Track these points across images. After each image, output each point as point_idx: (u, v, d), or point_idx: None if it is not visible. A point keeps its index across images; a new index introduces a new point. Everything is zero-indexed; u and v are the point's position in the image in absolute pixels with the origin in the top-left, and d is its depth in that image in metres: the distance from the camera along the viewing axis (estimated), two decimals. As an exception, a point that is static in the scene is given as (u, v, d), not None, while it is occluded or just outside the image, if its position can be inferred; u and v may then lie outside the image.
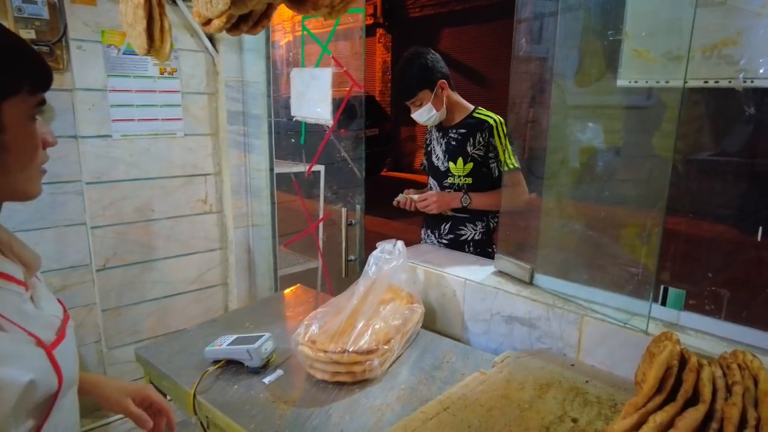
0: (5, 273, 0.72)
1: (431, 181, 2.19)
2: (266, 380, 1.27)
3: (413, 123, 2.08)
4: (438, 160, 2.12)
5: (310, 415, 1.15)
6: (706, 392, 0.78)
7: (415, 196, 2.06)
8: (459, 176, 2.04)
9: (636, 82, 1.23)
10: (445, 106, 2.01)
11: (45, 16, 1.93)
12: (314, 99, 2.18)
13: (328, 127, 2.18)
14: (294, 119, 2.34)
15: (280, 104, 2.53)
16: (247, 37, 2.40)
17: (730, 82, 1.08)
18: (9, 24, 1.88)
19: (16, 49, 0.71)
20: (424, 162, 2.27)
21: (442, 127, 2.11)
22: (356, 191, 2.28)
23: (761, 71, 1.04)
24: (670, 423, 0.74)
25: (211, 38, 2.35)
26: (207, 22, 1.01)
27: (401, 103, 2.07)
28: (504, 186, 1.90)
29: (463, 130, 2.02)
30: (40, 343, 0.71)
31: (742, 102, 1.12)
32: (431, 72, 1.98)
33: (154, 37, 1.28)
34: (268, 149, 2.50)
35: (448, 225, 2.11)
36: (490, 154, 2.00)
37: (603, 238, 1.39)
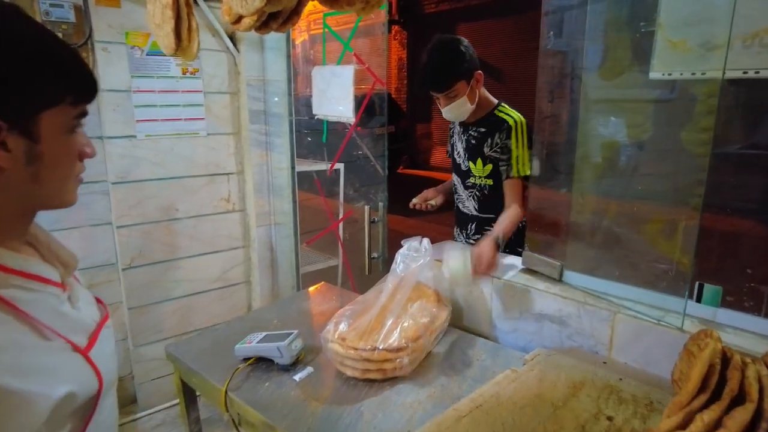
0: (42, 276, 0.70)
1: (455, 178, 2.12)
2: (297, 377, 1.28)
3: (428, 120, 2.01)
4: (459, 157, 2.05)
5: (342, 413, 1.14)
6: (753, 391, 0.76)
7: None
8: (479, 177, 1.97)
9: (670, 74, 1.20)
10: (477, 100, 1.87)
11: (71, 19, 1.96)
12: (336, 96, 2.18)
13: (350, 124, 2.17)
14: (315, 117, 2.34)
15: (300, 102, 2.53)
16: (268, 36, 2.40)
17: (772, 72, 1.05)
18: (37, 27, 1.90)
19: (63, 56, 0.66)
20: (450, 151, 2.16)
21: (464, 123, 2.01)
22: (378, 188, 2.27)
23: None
24: (718, 422, 0.72)
25: (232, 38, 2.36)
26: (237, 21, 1.01)
27: (419, 100, 2.00)
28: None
29: (482, 129, 1.93)
30: (76, 348, 0.70)
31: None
32: (468, 62, 1.78)
33: (182, 37, 1.28)
34: (289, 148, 2.51)
35: (474, 225, 2.04)
36: (503, 156, 1.87)
37: (635, 233, 1.36)
